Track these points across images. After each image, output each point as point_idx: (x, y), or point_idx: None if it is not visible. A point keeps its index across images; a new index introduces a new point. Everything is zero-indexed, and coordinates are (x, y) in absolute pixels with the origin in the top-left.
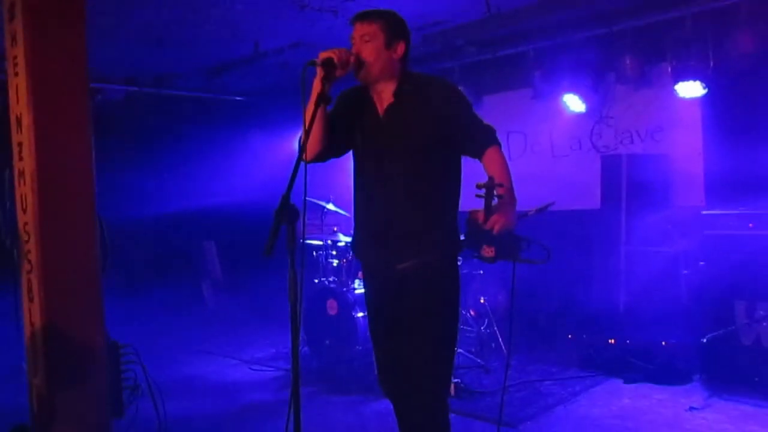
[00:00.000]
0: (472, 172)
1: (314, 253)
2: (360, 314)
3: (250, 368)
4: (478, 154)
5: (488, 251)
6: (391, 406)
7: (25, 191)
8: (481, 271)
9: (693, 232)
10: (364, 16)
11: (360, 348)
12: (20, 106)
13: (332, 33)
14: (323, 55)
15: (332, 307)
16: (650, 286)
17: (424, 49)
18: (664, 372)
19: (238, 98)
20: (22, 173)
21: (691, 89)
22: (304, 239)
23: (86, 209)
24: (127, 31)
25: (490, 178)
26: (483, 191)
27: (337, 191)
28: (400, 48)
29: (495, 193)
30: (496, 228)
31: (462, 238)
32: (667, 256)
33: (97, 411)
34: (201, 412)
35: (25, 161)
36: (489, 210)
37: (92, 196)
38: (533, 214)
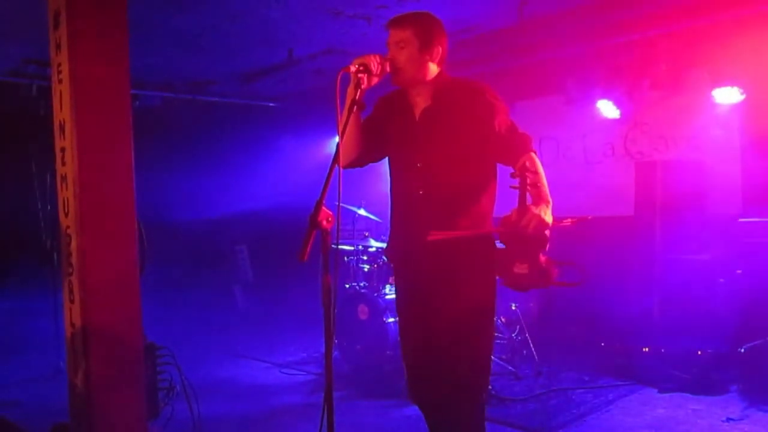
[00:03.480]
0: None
1: (345, 258)
2: (391, 319)
3: (280, 371)
4: (513, 162)
5: (521, 267)
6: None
7: (67, 195)
8: None
9: (730, 240)
10: (399, 22)
11: (390, 353)
12: (63, 112)
13: (366, 40)
14: (357, 61)
15: (363, 312)
16: (685, 295)
17: (457, 54)
18: (700, 382)
19: (271, 104)
20: (64, 178)
21: (728, 95)
22: (338, 244)
23: (126, 213)
24: (164, 38)
25: (522, 164)
26: (517, 182)
27: (368, 197)
28: (436, 52)
29: (528, 182)
30: (531, 225)
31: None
32: (703, 264)
33: (134, 411)
34: (233, 414)
35: (67, 166)
36: (523, 202)
37: (132, 200)
38: (569, 224)
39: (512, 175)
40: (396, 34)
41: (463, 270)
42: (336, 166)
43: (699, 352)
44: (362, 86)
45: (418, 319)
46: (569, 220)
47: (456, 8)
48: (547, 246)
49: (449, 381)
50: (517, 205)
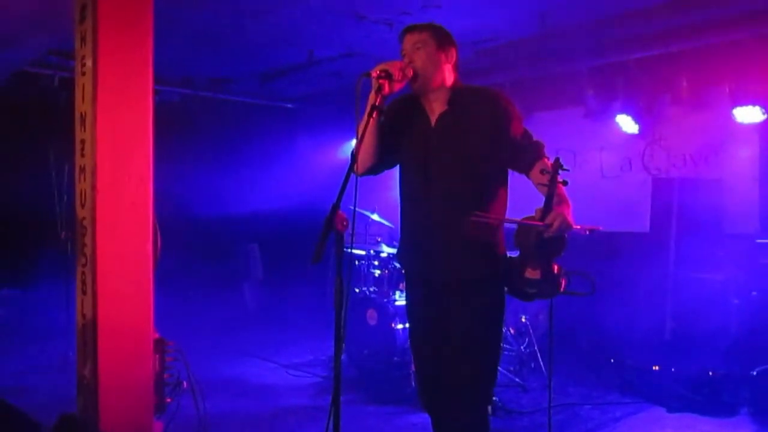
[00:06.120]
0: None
1: (356, 263)
2: (399, 326)
3: (287, 372)
4: (526, 169)
5: (533, 273)
6: (426, 420)
7: (85, 187)
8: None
9: (746, 261)
10: (413, 28)
11: (398, 359)
12: (85, 104)
13: (386, 45)
14: (379, 67)
15: (372, 317)
16: (698, 314)
17: (476, 63)
18: (710, 403)
19: (288, 105)
20: (83, 169)
21: (750, 114)
22: (352, 248)
23: (143, 207)
24: (184, 34)
25: (556, 159)
26: (546, 179)
27: (382, 202)
28: (451, 53)
29: (559, 179)
30: (555, 224)
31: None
32: (718, 283)
33: (141, 405)
34: (238, 412)
35: (86, 158)
36: (550, 200)
37: (149, 194)
38: (584, 232)
39: (542, 172)
40: (413, 37)
41: (474, 278)
42: (353, 170)
43: (710, 373)
44: (383, 92)
45: (428, 327)
46: (585, 228)
47: (477, 18)
48: (563, 253)
49: (453, 390)
50: (543, 203)
